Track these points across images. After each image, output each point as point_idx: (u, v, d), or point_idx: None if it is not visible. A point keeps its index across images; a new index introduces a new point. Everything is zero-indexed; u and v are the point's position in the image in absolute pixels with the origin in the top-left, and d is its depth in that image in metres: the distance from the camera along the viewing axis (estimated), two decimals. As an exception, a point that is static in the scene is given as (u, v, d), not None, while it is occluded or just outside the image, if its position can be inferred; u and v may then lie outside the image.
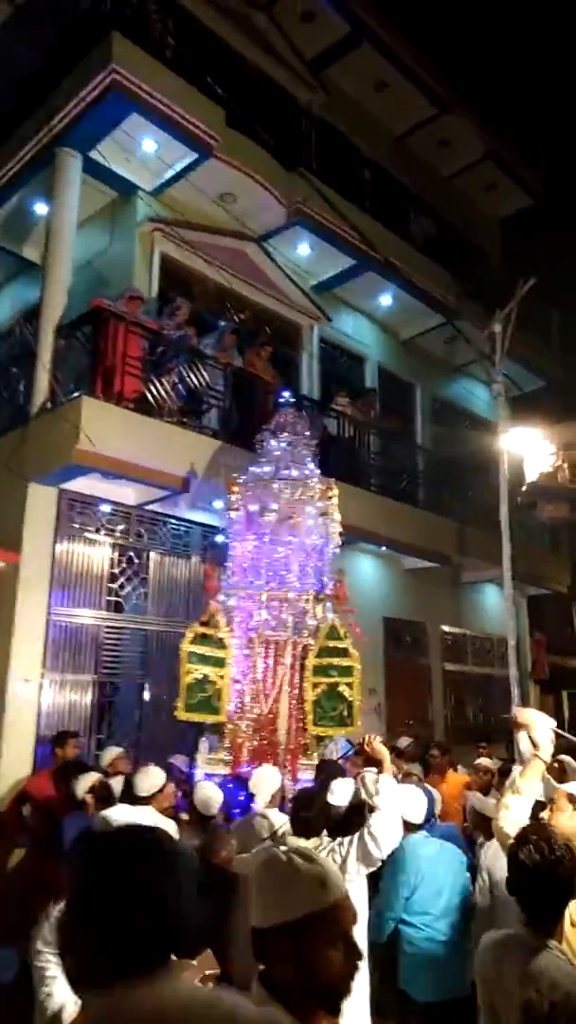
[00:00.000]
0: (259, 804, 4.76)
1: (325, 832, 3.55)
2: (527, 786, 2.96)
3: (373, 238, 11.07)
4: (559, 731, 3.18)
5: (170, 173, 9.08)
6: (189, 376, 8.25)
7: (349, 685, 6.02)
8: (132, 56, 8.17)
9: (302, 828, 3.69)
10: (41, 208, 9.27)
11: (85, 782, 4.75)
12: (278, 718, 6.03)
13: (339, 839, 3.34)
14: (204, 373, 8.39)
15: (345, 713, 5.99)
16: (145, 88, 8.14)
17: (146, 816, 3.85)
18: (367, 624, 10.67)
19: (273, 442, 6.85)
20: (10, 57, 10.02)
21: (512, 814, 2.86)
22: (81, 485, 7.66)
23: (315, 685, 6.00)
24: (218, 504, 7.11)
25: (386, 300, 12.19)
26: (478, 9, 19.27)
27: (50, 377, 7.59)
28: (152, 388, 7.85)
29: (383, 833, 3.21)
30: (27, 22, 10.46)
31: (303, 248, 10.76)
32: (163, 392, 7.92)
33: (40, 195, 9.11)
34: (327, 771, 4.82)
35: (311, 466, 6.81)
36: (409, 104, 13.32)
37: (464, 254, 13.69)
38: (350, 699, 6.00)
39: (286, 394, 7.31)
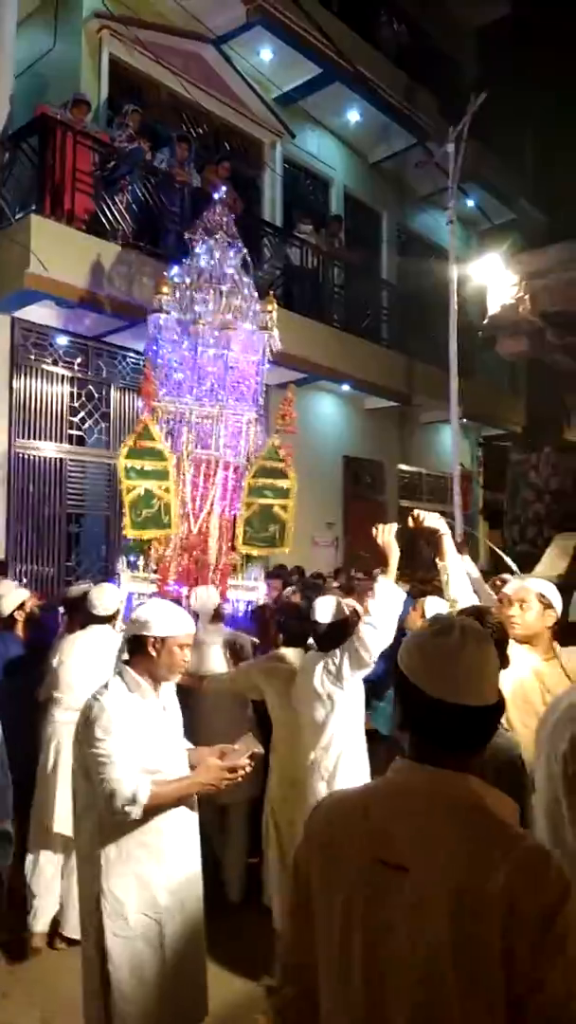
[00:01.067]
0: (203, 622, 4.65)
1: (315, 645, 3.63)
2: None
3: (341, 44, 10.17)
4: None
5: (117, -43, 8.09)
6: (144, 195, 7.78)
7: (284, 508, 5.83)
8: None
9: (291, 639, 3.86)
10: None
11: (12, 600, 4.72)
12: (208, 538, 5.78)
13: (331, 652, 3.43)
14: (159, 192, 7.91)
15: (277, 535, 5.83)
16: None
17: (108, 637, 3.90)
18: (327, 462, 10.92)
19: (202, 244, 6.12)
20: None
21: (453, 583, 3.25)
22: (35, 314, 7.39)
23: (248, 505, 5.77)
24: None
25: (354, 116, 11.39)
26: None
27: (-3, 191, 7.09)
28: (105, 208, 7.41)
29: (371, 639, 3.29)
30: None
31: (265, 53, 9.89)
32: (117, 213, 7.48)
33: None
34: (305, 584, 4.98)
35: (246, 277, 6.24)
36: None
37: (438, 68, 12.72)
38: (284, 520, 5.83)
39: (223, 190, 6.62)
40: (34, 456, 7.57)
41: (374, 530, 3.40)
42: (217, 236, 6.10)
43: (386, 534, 3.35)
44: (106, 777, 2.30)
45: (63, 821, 3.49)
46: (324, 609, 3.55)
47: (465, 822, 1.23)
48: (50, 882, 3.74)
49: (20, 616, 4.65)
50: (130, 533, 5.53)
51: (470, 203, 13.35)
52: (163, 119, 9.11)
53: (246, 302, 6.05)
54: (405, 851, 1.23)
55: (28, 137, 7.15)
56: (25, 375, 7.52)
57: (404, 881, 1.21)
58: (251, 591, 5.80)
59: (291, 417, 6.02)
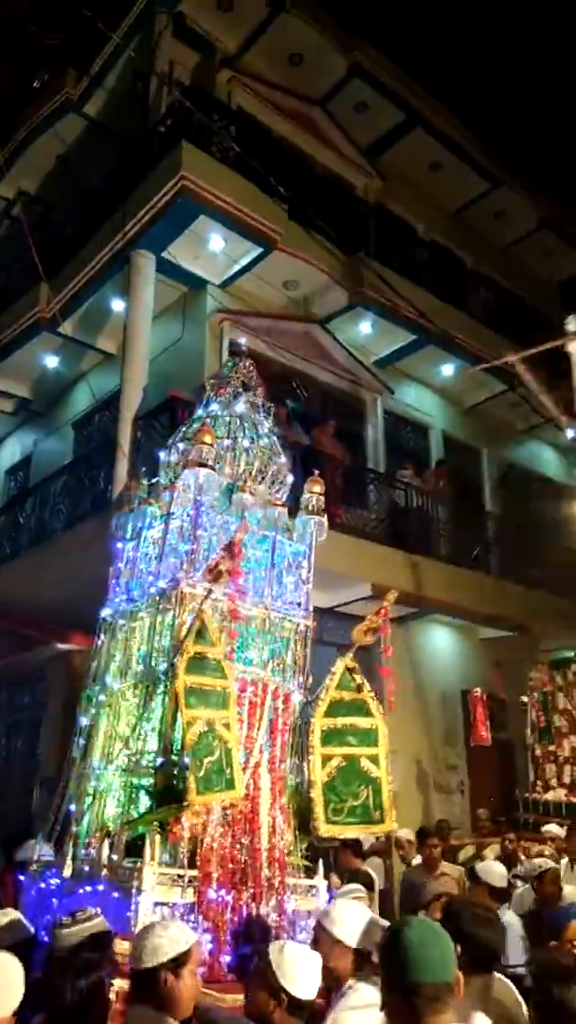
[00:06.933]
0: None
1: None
2: None
3: (433, 313, 11.28)
4: None
5: (237, 267, 9.57)
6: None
7: (374, 760, 3.99)
8: (199, 162, 8.74)
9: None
10: (117, 304, 9.83)
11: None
12: (257, 807, 3.87)
13: None
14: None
15: (371, 802, 3.93)
16: (211, 191, 8.67)
17: None
18: (445, 697, 10.55)
19: (219, 403, 5.13)
20: (84, 167, 10.82)
21: None
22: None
23: (327, 759, 3.92)
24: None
25: (448, 370, 12.31)
26: (525, 86, 19.85)
27: (129, 465, 7.92)
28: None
29: None
30: (99, 136, 11.32)
31: (365, 327, 11.06)
32: (235, 475, 8.16)
33: (116, 293, 9.68)
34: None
35: (272, 436, 5.19)
36: (463, 181, 13.68)
37: (525, 321, 13.78)
38: (378, 779, 3.98)
39: (242, 340, 5.78)
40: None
41: None
42: (247, 394, 5.26)
43: None
44: None
45: None
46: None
47: None
48: None
49: None
50: (196, 800, 3.47)
51: (571, 434, 13.78)
52: (277, 388, 10.16)
53: (280, 472, 5.04)
54: None
55: (159, 416, 8.11)
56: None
57: None
58: (312, 897, 3.97)
59: (385, 633, 4.29)
